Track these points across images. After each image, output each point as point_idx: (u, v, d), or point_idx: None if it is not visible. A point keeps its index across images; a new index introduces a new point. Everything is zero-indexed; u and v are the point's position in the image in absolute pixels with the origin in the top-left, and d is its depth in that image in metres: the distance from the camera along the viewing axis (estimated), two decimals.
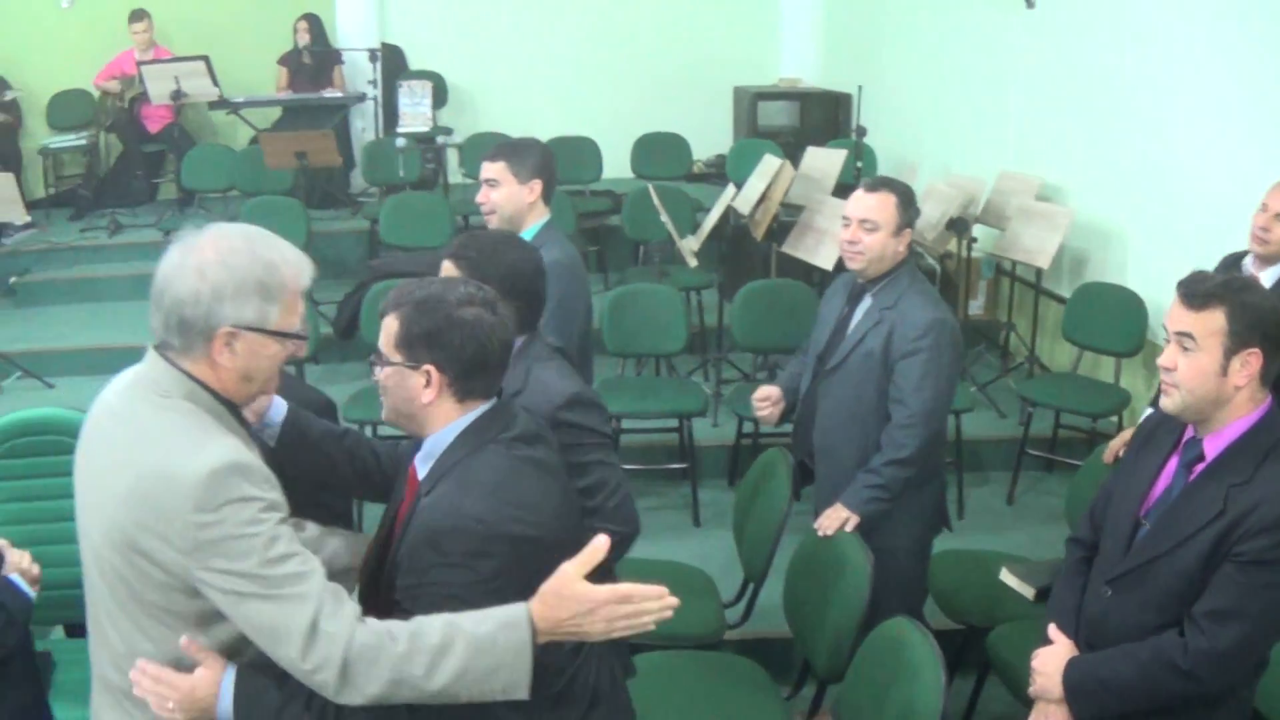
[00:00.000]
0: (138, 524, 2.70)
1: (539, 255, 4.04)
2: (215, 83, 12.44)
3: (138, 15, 13.19)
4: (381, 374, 3.14)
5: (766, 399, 5.51)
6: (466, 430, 3.11)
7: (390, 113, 12.99)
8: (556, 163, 5.39)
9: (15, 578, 3.77)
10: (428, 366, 3.07)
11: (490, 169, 5.19)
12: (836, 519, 4.86)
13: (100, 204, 13.06)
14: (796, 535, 5.11)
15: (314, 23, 13.33)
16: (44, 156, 13.78)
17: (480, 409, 3.15)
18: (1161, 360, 3.57)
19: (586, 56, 14.03)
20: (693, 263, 8.55)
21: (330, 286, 10.20)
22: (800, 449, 5.38)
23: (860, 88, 10.71)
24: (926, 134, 11.25)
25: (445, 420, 3.13)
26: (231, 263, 2.80)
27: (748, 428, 7.87)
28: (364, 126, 13.35)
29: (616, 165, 12.46)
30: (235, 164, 12.27)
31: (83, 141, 13.72)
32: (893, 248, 4.97)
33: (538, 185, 5.18)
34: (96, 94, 13.70)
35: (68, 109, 13.99)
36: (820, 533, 4.86)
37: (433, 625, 2.77)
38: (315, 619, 2.69)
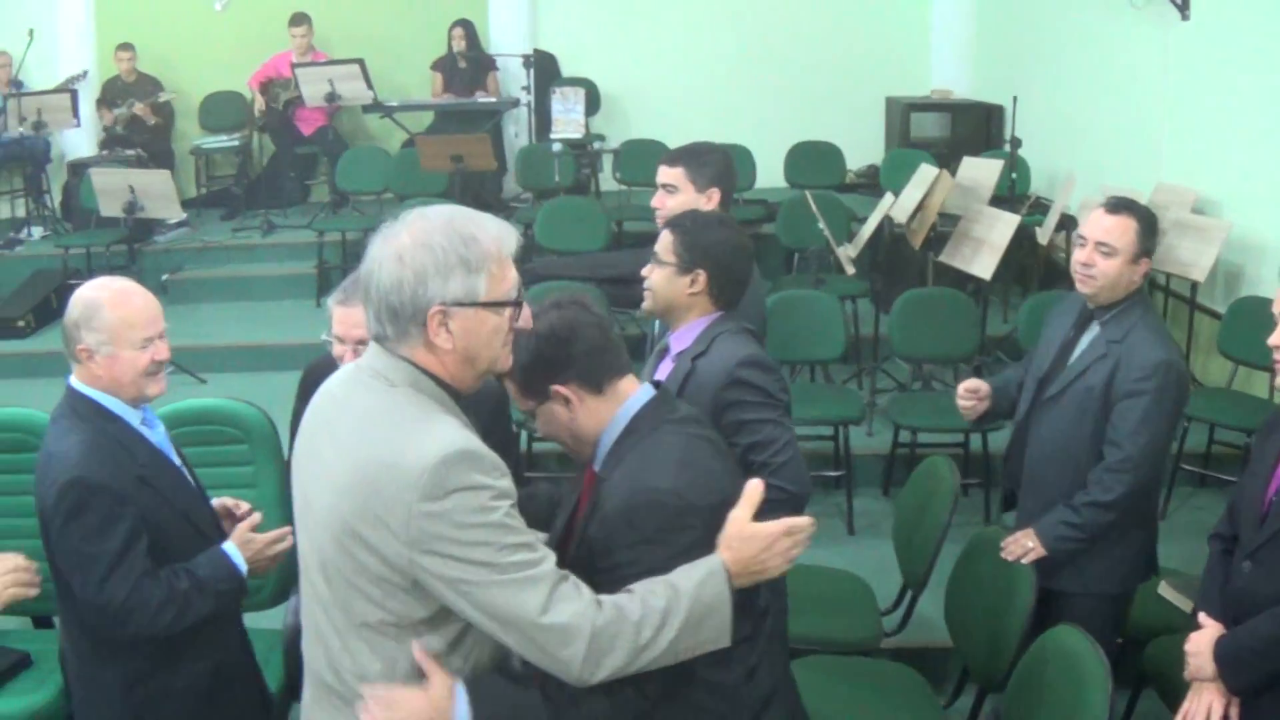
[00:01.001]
0: (360, 513, 2.73)
1: (748, 240, 4.32)
2: (370, 86, 12.94)
3: (299, 19, 13.79)
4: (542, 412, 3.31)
5: (974, 391, 5.31)
6: (636, 417, 3.21)
7: (543, 119, 13.49)
8: (737, 172, 5.33)
9: (230, 550, 4.06)
10: (558, 388, 3.21)
11: (668, 174, 5.09)
12: (1021, 548, 4.80)
13: (252, 204, 13.65)
14: (955, 544, 5.22)
15: (469, 29, 13.80)
16: (196, 157, 14.44)
17: (642, 397, 3.26)
18: (1272, 340, 3.93)
19: (739, 65, 14.31)
20: (850, 270, 8.82)
21: None
22: (1011, 479, 5.29)
23: (1015, 98, 10.89)
24: (1080, 145, 11.33)
25: (606, 416, 3.24)
26: (430, 242, 2.81)
27: (904, 436, 8.01)
28: (517, 132, 13.87)
29: (769, 174, 12.82)
30: (390, 167, 12.77)
31: (235, 142, 14.31)
32: (1127, 276, 4.79)
33: (715, 194, 5.04)
34: (249, 96, 14.26)
35: (220, 110, 14.63)
36: (1003, 555, 4.82)
37: (654, 589, 2.86)
38: (550, 601, 2.73)
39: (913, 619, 5.49)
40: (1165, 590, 4.98)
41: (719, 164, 5.12)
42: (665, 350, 4.33)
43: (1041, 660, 4.05)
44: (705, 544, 3.00)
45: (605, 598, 2.83)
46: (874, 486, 8.21)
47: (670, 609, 2.84)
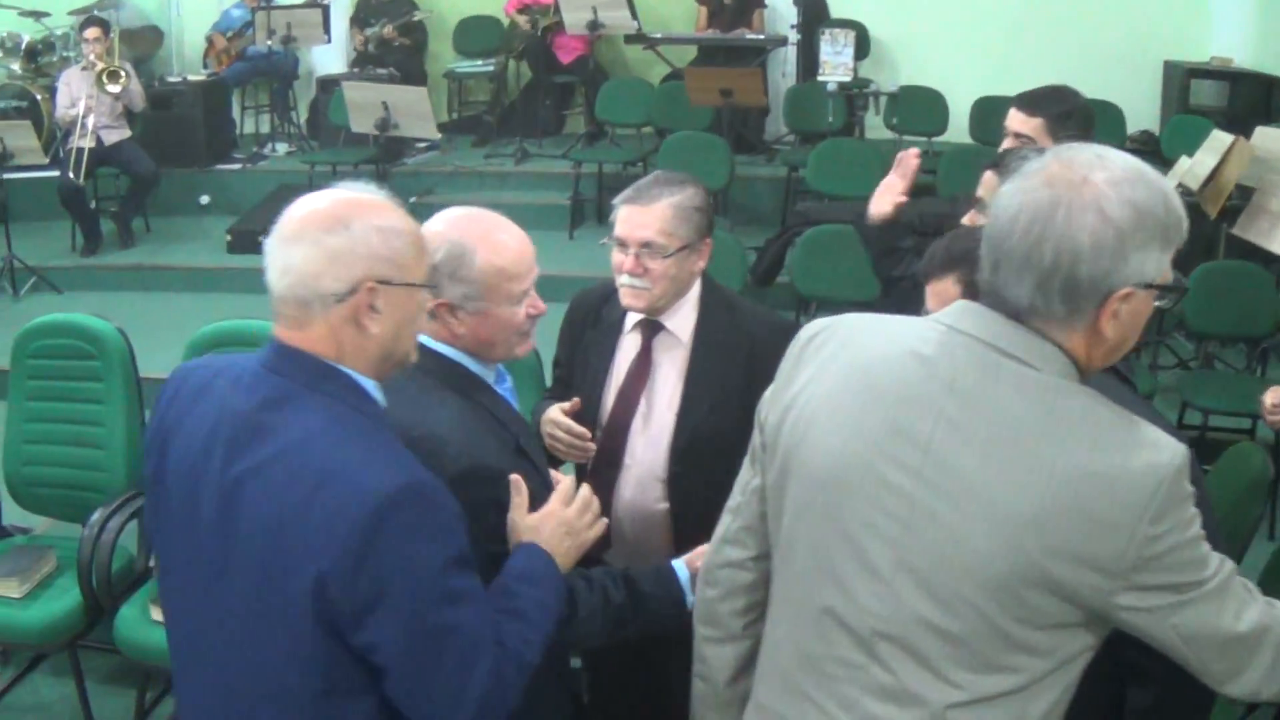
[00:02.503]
0: (1055, 549, 2.24)
1: None
2: (634, 15, 12.95)
3: None
4: None
5: None
6: None
7: (809, 60, 13.39)
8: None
9: None
10: None
11: (1026, 123, 4.79)
12: None
13: (505, 132, 13.86)
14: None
15: None
16: (449, 80, 14.78)
17: None
18: None
19: (1014, 18, 14.06)
20: None
21: (746, 232, 10.37)
22: None
23: None
24: None
25: None
26: (1136, 198, 2.27)
27: (1191, 417, 7.64)
28: (784, 72, 13.80)
29: None
30: (653, 99, 12.89)
31: (490, 68, 14.52)
32: None
33: None
34: (506, 21, 14.40)
35: (475, 34, 14.89)
36: None
37: None
38: (1239, 605, 2.36)
39: None
40: None
41: (1082, 114, 4.84)
42: None
43: None
44: None
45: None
46: None
47: None
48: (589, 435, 3.93)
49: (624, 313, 4.11)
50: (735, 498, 2.79)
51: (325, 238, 2.64)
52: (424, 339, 3.21)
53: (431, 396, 3.16)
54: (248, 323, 5.41)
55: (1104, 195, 2.25)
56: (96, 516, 5.19)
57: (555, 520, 3.08)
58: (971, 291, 2.70)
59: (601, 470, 4.05)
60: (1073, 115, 4.78)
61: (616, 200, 4.03)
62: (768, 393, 2.67)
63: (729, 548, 2.79)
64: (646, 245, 3.85)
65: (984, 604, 2.28)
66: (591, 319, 4.22)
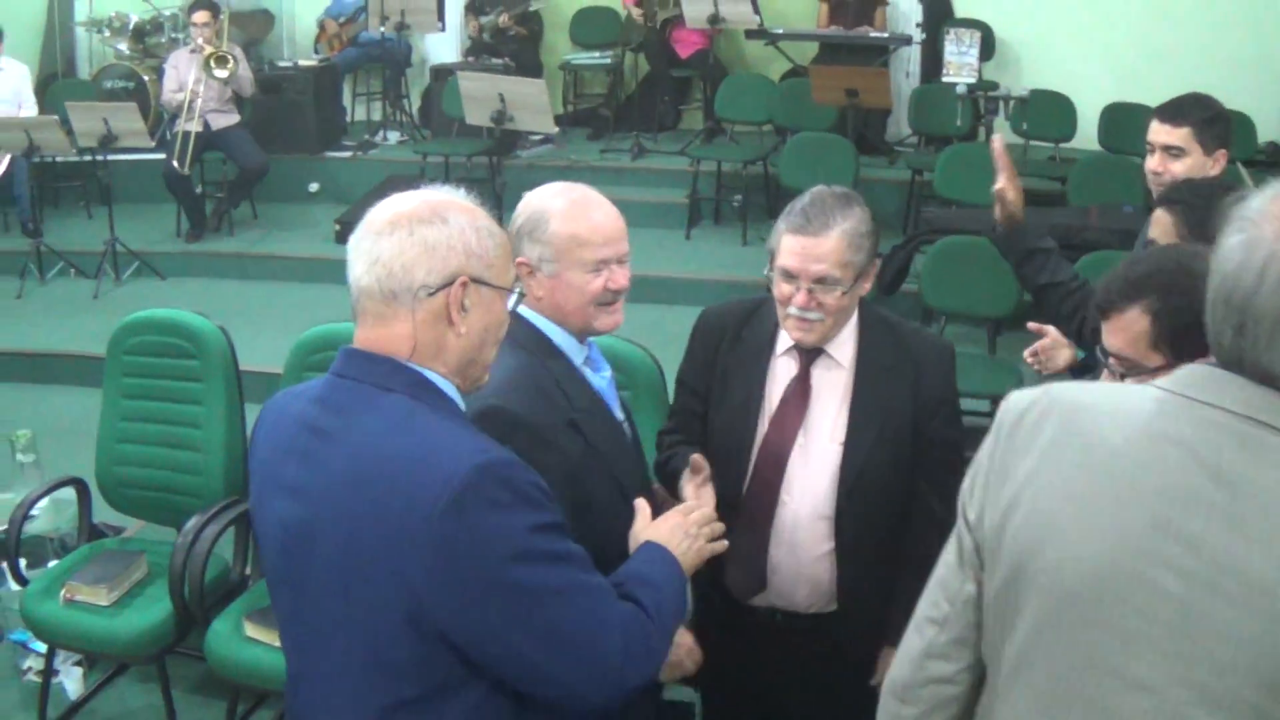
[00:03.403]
0: None
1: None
2: (756, 10, 12.67)
3: None
4: None
5: None
6: None
7: (933, 60, 13.17)
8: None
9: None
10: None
11: (1172, 134, 4.74)
12: None
13: (621, 126, 13.71)
14: None
15: None
16: (565, 72, 14.63)
17: None
18: None
19: (1141, 21, 13.68)
20: None
21: None
22: None
23: None
24: None
25: None
26: None
27: None
28: (908, 72, 13.56)
29: None
30: (774, 96, 12.64)
31: (607, 60, 14.38)
32: None
33: (1223, 157, 4.73)
34: (624, 13, 14.29)
35: (593, 25, 14.75)
36: None
37: None
38: None
39: None
40: None
41: (1225, 121, 4.83)
42: None
43: None
44: None
45: None
46: None
47: None
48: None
49: (773, 333, 3.88)
50: (940, 606, 2.47)
51: (421, 228, 2.64)
52: (520, 310, 3.44)
53: (504, 356, 3.06)
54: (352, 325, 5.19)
55: None
56: (191, 524, 5.06)
57: (671, 524, 3.13)
58: (1163, 323, 2.78)
59: (756, 508, 3.80)
60: (1217, 121, 4.76)
61: (780, 224, 3.77)
62: (973, 485, 2.40)
63: (935, 663, 2.48)
64: (821, 280, 3.63)
65: (1268, 705, 2.04)
66: (730, 339, 3.97)
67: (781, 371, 3.86)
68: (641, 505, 3.21)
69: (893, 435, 3.74)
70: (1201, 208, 3.72)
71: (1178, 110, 4.78)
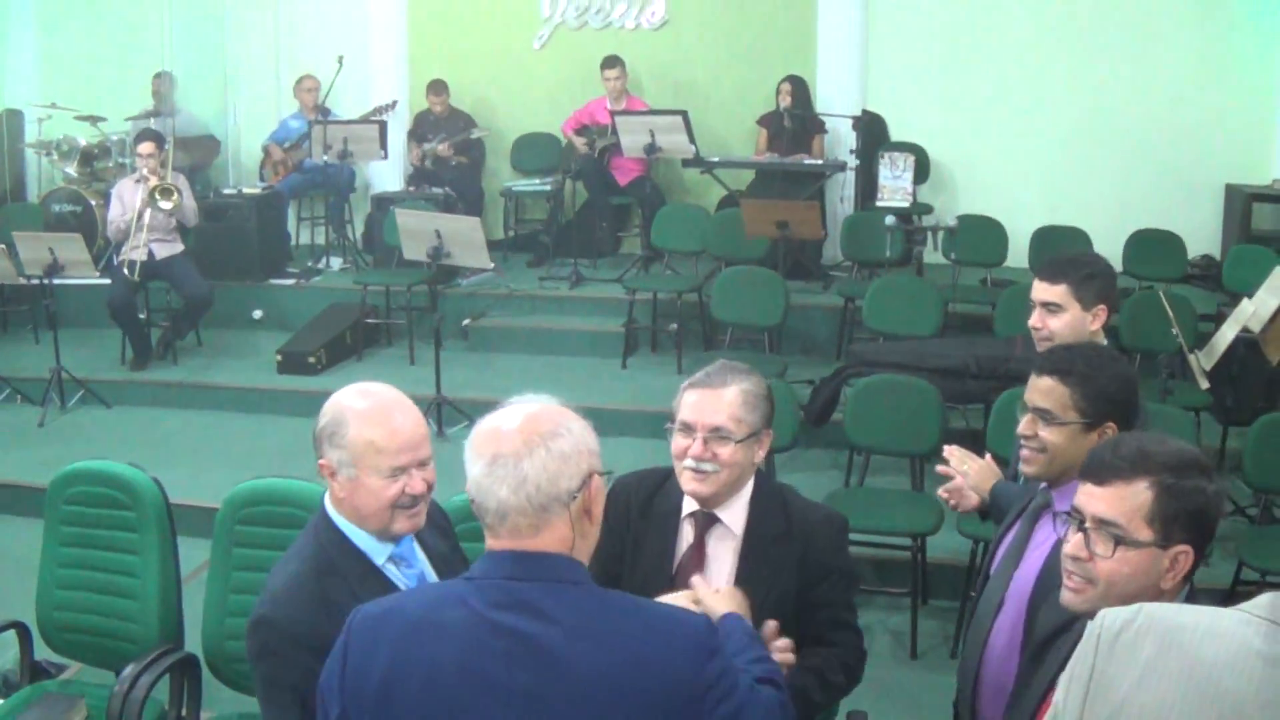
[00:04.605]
0: None
1: (1133, 367, 4.08)
2: (692, 140, 12.90)
3: (611, 61, 14.05)
4: (1115, 556, 2.98)
5: None
6: None
7: (868, 184, 13.40)
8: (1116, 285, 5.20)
9: None
10: (1182, 549, 2.97)
11: (1050, 291, 4.96)
12: None
13: (561, 252, 13.86)
14: None
15: (798, 86, 13.76)
16: (506, 198, 14.85)
17: None
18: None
19: (1073, 141, 14.04)
20: (1204, 384, 8.43)
21: (800, 363, 10.37)
22: None
23: None
24: None
25: None
26: None
27: (1247, 574, 7.44)
28: (842, 197, 13.77)
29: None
30: (709, 226, 12.81)
31: (547, 187, 14.54)
32: None
33: (1103, 312, 4.93)
34: (563, 140, 14.53)
35: (533, 152, 15.01)
36: None
37: None
38: None
39: None
40: None
41: (1105, 276, 5.03)
42: (1046, 507, 4.00)
43: None
44: None
45: None
46: None
47: None
48: None
49: (679, 503, 4.11)
50: None
51: (554, 443, 2.97)
52: (327, 508, 3.68)
53: (292, 561, 3.54)
54: (288, 482, 5.32)
55: None
56: (128, 671, 5.18)
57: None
58: (1165, 502, 2.89)
59: None
60: (1096, 278, 4.94)
61: (684, 385, 4.11)
62: (1067, 694, 2.56)
63: None
64: (716, 430, 3.91)
65: None
66: (640, 508, 4.19)
67: (685, 537, 4.11)
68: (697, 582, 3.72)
69: (775, 602, 3.93)
70: (1096, 379, 3.90)
71: (1055, 269, 5.00)
